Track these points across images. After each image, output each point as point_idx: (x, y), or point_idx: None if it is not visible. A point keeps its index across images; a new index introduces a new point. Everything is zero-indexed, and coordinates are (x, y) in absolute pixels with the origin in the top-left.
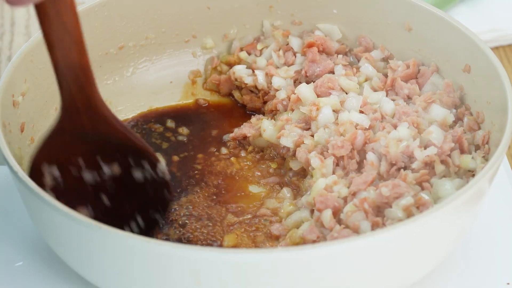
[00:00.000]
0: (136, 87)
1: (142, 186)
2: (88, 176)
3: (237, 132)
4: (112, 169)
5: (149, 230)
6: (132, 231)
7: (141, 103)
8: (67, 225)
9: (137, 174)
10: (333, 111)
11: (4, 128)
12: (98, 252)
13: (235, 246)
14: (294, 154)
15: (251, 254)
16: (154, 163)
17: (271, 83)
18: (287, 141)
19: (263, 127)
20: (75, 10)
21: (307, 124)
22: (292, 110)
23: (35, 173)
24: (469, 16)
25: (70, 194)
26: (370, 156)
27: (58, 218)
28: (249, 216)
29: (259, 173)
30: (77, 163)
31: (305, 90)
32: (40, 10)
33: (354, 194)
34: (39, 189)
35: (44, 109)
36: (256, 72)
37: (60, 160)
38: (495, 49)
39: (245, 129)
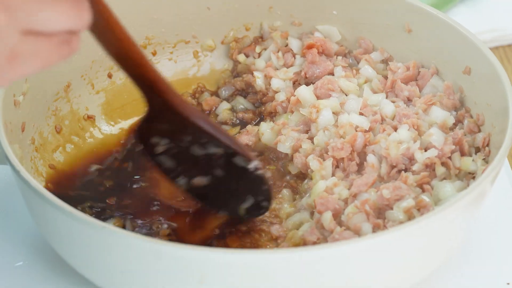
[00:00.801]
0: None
1: (244, 173)
2: (195, 149)
3: None
4: (212, 149)
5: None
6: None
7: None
8: (70, 224)
9: (238, 161)
10: (333, 113)
11: (5, 128)
12: (101, 252)
13: (237, 246)
14: (292, 159)
15: (254, 254)
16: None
17: (269, 84)
18: (284, 147)
19: (261, 131)
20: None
21: (306, 126)
22: (292, 112)
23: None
24: (469, 16)
25: (180, 162)
26: (371, 158)
27: (61, 217)
28: None
29: None
30: (179, 138)
31: (304, 92)
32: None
33: (355, 196)
34: (42, 188)
35: (44, 109)
36: (255, 73)
37: (164, 134)
38: (495, 49)
39: (244, 137)
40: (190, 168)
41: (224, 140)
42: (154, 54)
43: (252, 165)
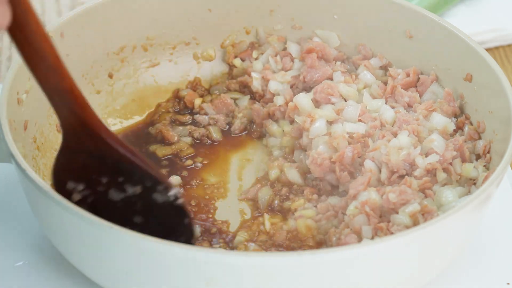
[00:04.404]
0: (137, 87)
1: (162, 210)
2: (112, 193)
3: None
4: (131, 189)
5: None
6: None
7: (142, 103)
8: (76, 224)
9: (156, 196)
10: (329, 122)
11: (10, 126)
12: (107, 252)
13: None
14: None
15: (260, 257)
16: (163, 187)
17: (266, 86)
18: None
19: None
20: (45, 35)
21: (299, 133)
22: (289, 118)
23: (60, 190)
24: (469, 16)
25: (99, 208)
26: (369, 164)
27: (67, 217)
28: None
29: None
30: (96, 180)
31: (303, 100)
32: (11, 36)
33: (355, 197)
34: (49, 188)
35: (46, 108)
36: (253, 74)
37: (80, 176)
38: (495, 49)
39: None
40: (113, 213)
41: (142, 165)
42: (154, 54)
43: (172, 193)
